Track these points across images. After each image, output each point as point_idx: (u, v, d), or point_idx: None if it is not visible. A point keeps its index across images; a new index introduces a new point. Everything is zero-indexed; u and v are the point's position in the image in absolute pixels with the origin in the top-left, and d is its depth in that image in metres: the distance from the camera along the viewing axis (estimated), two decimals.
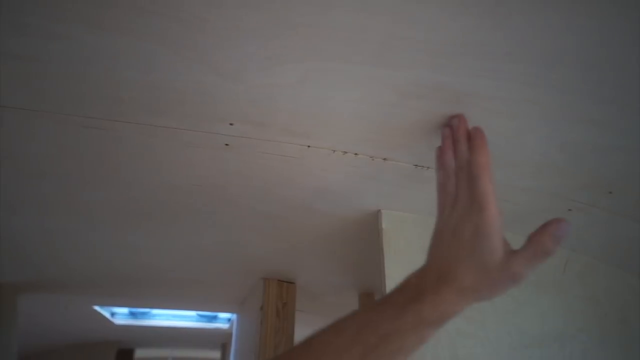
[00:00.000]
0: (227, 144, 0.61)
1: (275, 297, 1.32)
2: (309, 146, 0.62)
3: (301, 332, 1.31)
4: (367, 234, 0.88)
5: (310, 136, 0.60)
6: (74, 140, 0.61)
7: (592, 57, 0.46)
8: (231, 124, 0.57)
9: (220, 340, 3.43)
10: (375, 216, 0.80)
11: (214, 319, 2.60)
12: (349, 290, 1.40)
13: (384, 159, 0.65)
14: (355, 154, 0.63)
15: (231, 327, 2.55)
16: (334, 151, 0.63)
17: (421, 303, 0.43)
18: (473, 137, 0.50)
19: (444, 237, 0.48)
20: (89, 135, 0.60)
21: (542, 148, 0.61)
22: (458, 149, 0.51)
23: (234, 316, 2.22)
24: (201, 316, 2.54)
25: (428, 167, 0.66)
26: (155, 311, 2.42)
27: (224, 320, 2.60)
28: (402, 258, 0.75)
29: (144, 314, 2.46)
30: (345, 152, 0.63)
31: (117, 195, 0.78)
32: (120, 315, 2.39)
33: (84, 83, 0.50)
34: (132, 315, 2.42)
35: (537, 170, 0.66)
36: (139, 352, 3.36)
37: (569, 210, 0.74)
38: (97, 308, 2.07)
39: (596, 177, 0.66)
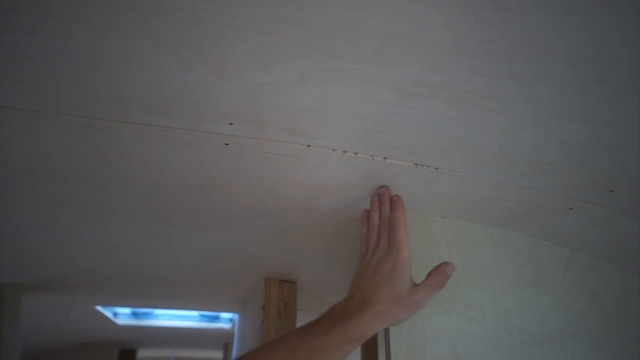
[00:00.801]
0: (226, 144, 0.61)
1: (277, 297, 1.33)
2: (308, 145, 0.62)
3: None
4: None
5: (310, 135, 0.60)
6: (75, 141, 0.61)
7: (591, 54, 0.46)
8: (231, 124, 0.57)
9: (222, 341, 3.43)
10: None
11: (216, 319, 2.60)
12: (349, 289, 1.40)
13: (384, 158, 0.65)
14: (355, 153, 0.63)
15: (233, 327, 2.55)
16: (334, 150, 0.63)
17: (346, 323, 0.54)
18: (394, 201, 0.66)
19: (366, 273, 0.62)
20: (89, 135, 0.60)
21: (542, 146, 0.61)
22: (383, 209, 0.67)
23: (235, 316, 2.22)
24: (203, 316, 2.54)
25: (428, 166, 0.66)
26: (157, 311, 2.43)
27: (226, 320, 2.60)
28: None
29: (146, 314, 2.46)
30: (345, 152, 0.63)
31: (119, 196, 0.78)
32: (122, 315, 2.40)
33: (85, 83, 0.50)
34: (135, 315, 2.42)
35: (537, 169, 0.66)
36: (141, 352, 3.36)
37: (570, 208, 0.74)
38: (99, 308, 2.07)
39: (597, 176, 0.66)
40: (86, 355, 2.96)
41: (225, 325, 2.63)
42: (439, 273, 0.61)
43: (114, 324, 2.35)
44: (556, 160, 0.63)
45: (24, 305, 1.51)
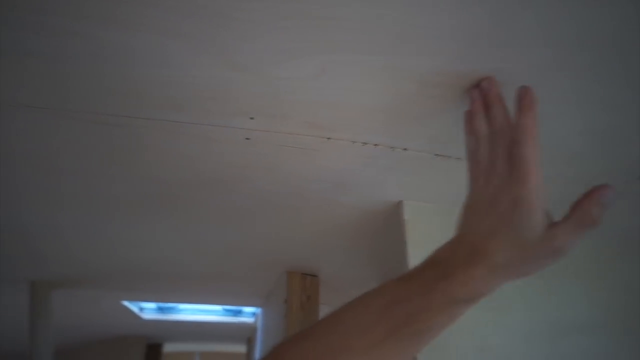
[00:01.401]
0: (247, 138, 0.62)
1: (299, 290, 1.33)
2: (328, 138, 0.62)
3: None
4: (389, 226, 0.88)
5: (330, 128, 0.60)
6: (97, 137, 0.62)
7: (618, 41, 0.44)
8: (251, 118, 0.58)
9: (245, 335, 3.47)
10: (397, 207, 0.79)
11: (239, 313, 2.63)
12: (371, 282, 1.40)
13: (405, 149, 0.64)
14: (375, 144, 0.63)
15: (256, 321, 2.58)
16: (354, 142, 0.63)
17: (451, 281, 0.40)
18: (521, 97, 0.45)
19: (477, 209, 0.44)
20: (110, 132, 0.61)
21: (568, 135, 0.60)
22: (492, 112, 0.46)
23: (258, 310, 2.24)
24: (226, 310, 2.57)
25: (449, 157, 0.66)
26: (182, 306, 2.47)
27: (248, 314, 2.63)
28: (425, 249, 0.74)
29: (171, 308, 2.50)
30: (365, 143, 0.63)
31: (140, 192, 0.79)
32: (148, 310, 2.44)
33: (102, 80, 0.51)
34: (160, 310, 2.47)
35: (563, 157, 0.65)
36: (167, 347, 3.42)
37: None
38: (125, 303, 2.12)
39: (624, 163, 0.64)
40: (114, 350, 3.03)
41: (248, 320, 2.66)
42: (589, 202, 0.40)
43: (140, 318, 2.40)
44: (583, 148, 0.62)
45: (54, 302, 1.55)
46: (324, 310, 1.38)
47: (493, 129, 0.46)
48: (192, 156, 0.67)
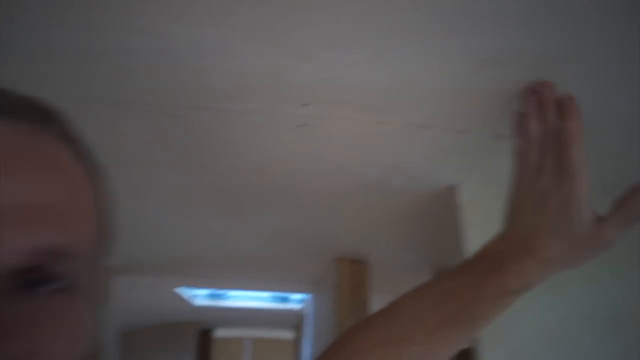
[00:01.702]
0: (301, 125, 0.63)
1: (349, 277, 1.34)
2: (382, 122, 0.62)
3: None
4: (443, 210, 0.86)
5: (384, 112, 0.60)
6: (158, 130, 0.64)
7: None
8: (305, 105, 0.58)
9: (293, 321, 3.53)
10: (452, 191, 0.78)
11: (286, 300, 2.68)
12: (422, 268, 1.39)
13: (461, 131, 0.63)
14: (431, 127, 0.62)
15: (304, 308, 2.62)
16: (409, 126, 0.62)
17: (503, 273, 0.44)
18: (564, 104, 0.47)
19: (526, 206, 0.47)
20: (172, 124, 0.63)
21: (635, 111, 0.57)
22: (545, 116, 0.48)
23: (308, 297, 2.28)
24: (275, 297, 2.63)
25: (508, 137, 0.64)
26: (232, 292, 2.54)
27: (296, 301, 2.67)
28: (481, 233, 0.73)
29: (221, 295, 2.58)
30: (420, 126, 0.62)
31: (197, 181, 0.82)
32: (200, 297, 2.53)
33: (167, 74, 0.53)
34: (211, 296, 2.55)
35: (628, 134, 0.61)
36: (218, 332, 3.53)
37: None
38: (178, 290, 2.20)
39: None
40: (169, 335, 3.16)
41: (296, 306, 2.70)
42: (636, 198, 0.43)
43: (192, 305, 2.49)
44: None
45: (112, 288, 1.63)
46: (374, 297, 1.39)
47: (545, 130, 0.48)
48: (246, 145, 0.68)
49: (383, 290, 1.54)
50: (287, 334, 3.83)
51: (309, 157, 0.72)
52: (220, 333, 3.61)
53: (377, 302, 1.38)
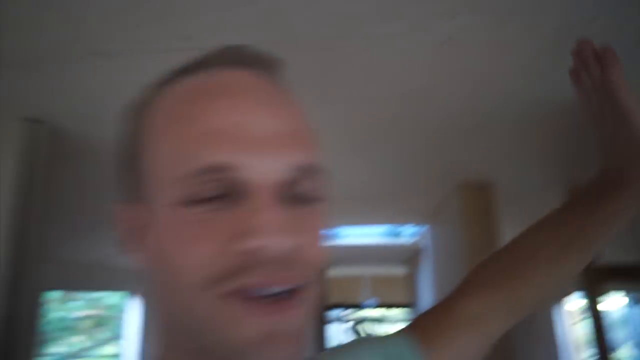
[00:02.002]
0: (444, 41, 0.61)
1: (475, 201, 1.33)
2: (532, 25, 0.58)
3: (504, 235, 1.30)
4: (584, 118, 0.82)
5: (536, 15, 0.57)
6: (308, 63, 0.67)
7: None
8: (454, 18, 0.57)
9: (406, 256, 3.61)
10: None
11: (398, 234, 2.73)
12: (552, 187, 1.33)
13: (628, 20, 0.58)
14: (591, 20, 0.58)
15: (419, 241, 2.66)
16: (560, 29, 0.58)
17: (608, 201, 0.50)
18: (603, 57, 0.50)
19: (605, 146, 0.53)
20: (320, 57, 0.65)
21: None
22: (590, 70, 0.52)
23: (423, 228, 2.30)
24: (387, 233, 2.69)
25: None
26: (345, 230, 2.64)
27: (409, 234, 2.72)
28: None
29: (335, 234, 2.69)
30: (573, 26, 0.58)
31: (332, 114, 0.84)
32: None
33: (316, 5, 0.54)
34: None
35: None
36: (333, 271, 3.72)
37: None
38: None
39: None
40: None
41: (409, 240, 2.75)
42: None
43: None
44: None
45: None
46: (502, 224, 1.36)
47: (594, 83, 0.52)
48: (390, 71, 0.69)
49: (510, 213, 1.51)
50: (401, 270, 3.93)
51: (449, 77, 0.71)
52: (335, 272, 3.80)
53: (505, 230, 1.36)
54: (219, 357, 0.28)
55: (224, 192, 0.28)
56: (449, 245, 1.64)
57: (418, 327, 0.50)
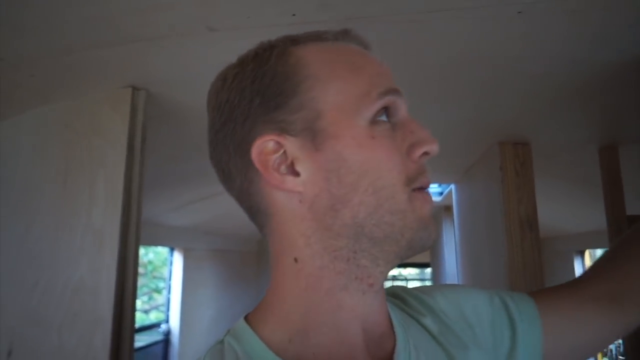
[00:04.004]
0: (519, 12, 0.71)
1: (513, 158, 1.43)
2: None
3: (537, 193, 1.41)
4: (627, 81, 0.91)
5: None
6: (397, 33, 0.77)
7: None
8: None
9: None
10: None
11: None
12: (586, 145, 1.43)
13: None
14: None
15: (444, 199, 2.77)
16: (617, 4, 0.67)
17: None
18: None
19: None
20: (403, 28, 0.75)
21: None
22: None
23: (450, 187, 2.41)
24: None
25: None
26: None
27: (435, 194, 2.82)
28: None
29: None
30: None
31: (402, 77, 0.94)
32: None
33: None
34: None
35: None
36: None
37: None
38: None
39: None
40: None
41: (435, 199, 2.86)
42: None
43: None
44: None
45: None
46: (537, 179, 1.46)
47: None
48: (466, 38, 0.79)
49: (545, 171, 1.61)
50: None
51: (513, 45, 0.80)
52: None
53: (539, 184, 1.47)
54: (404, 237, 0.39)
55: (394, 114, 0.41)
56: (480, 202, 1.75)
57: (540, 297, 0.53)
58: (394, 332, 0.44)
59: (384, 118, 0.41)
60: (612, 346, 4.13)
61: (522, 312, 0.50)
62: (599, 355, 2.96)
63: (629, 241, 0.58)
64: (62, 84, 0.94)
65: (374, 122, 0.40)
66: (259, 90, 0.40)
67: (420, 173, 0.41)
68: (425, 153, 0.41)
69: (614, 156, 1.40)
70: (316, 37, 0.43)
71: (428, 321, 0.48)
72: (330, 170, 0.38)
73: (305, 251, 0.40)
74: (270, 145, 0.39)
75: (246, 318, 0.43)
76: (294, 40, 0.42)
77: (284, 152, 0.39)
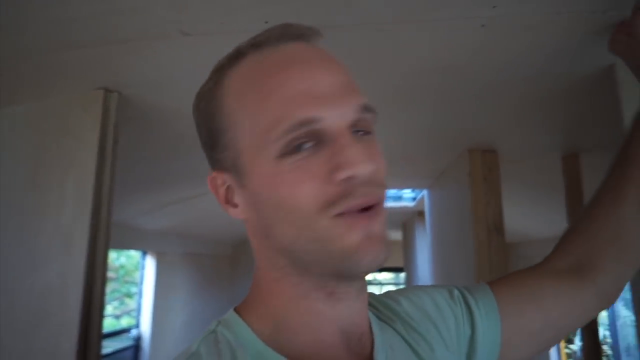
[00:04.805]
0: (483, 25, 0.74)
1: (481, 164, 1.48)
2: (559, 13, 0.71)
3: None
4: (588, 91, 0.95)
5: (562, 3, 0.69)
6: (366, 42, 0.79)
7: None
8: (494, 7, 0.69)
9: (401, 220, 3.78)
10: (607, 71, 0.86)
11: (399, 199, 2.88)
12: (550, 153, 1.48)
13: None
14: (604, 12, 0.71)
15: (417, 205, 2.81)
16: (583, 13, 0.71)
17: None
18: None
19: None
20: (372, 37, 0.77)
21: None
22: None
23: (422, 193, 2.45)
24: (388, 197, 2.84)
25: None
26: None
27: (408, 199, 2.87)
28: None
29: None
30: (594, 12, 0.71)
31: (374, 84, 0.97)
32: None
33: None
34: None
35: None
36: None
37: None
38: None
39: None
40: None
41: (408, 204, 2.91)
42: None
43: None
44: None
45: None
46: (503, 184, 1.51)
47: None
48: (432, 49, 0.81)
49: (511, 177, 1.66)
50: (398, 234, 4.11)
51: (478, 55, 0.84)
52: None
53: (505, 190, 1.51)
54: (332, 265, 0.38)
55: (314, 141, 0.37)
56: (451, 207, 1.79)
57: (500, 284, 0.54)
58: (372, 333, 0.46)
59: (305, 141, 0.38)
60: (576, 348, 4.27)
61: (479, 302, 0.52)
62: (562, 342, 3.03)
63: (590, 206, 0.59)
64: (31, 84, 0.93)
65: (282, 155, 0.38)
66: (205, 127, 0.44)
67: (345, 196, 0.37)
68: (350, 177, 0.37)
69: (576, 163, 1.46)
70: (256, 46, 0.42)
71: (398, 326, 0.49)
72: (253, 203, 0.41)
73: (262, 263, 0.44)
74: (218, 179, 0.43)
75: (235, 309, 0.45)
76: (236, 56, 0.43)
77: (228, 185, 0.43)
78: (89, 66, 0.88)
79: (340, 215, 0.37)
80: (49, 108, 0.98)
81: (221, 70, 0.43)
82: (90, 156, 0.93)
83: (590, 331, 1.47)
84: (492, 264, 1.41)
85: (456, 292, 0.53)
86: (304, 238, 0.38)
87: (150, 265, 2.85)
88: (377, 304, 0.52)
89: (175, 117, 1.12)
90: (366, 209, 0.38)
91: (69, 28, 0.74)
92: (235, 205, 0.43)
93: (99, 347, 0.93)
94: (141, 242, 2.62)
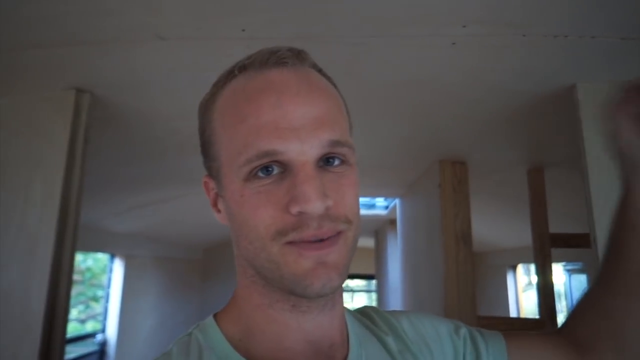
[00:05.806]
0: (453, 43, 0.77)
1: (451, 175, 1.51)
2: (524, 35, 0.74)
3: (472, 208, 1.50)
4: (551, 109, 1.00)
5: (527, 25, 0.72)
6: (341, 54, 0.81)
7: None
8: (464, 26, 0.72)
9: (373, 228, 3.82)
10: (569, 91, 0.90)
11: (372, 207, 2.91)
12: (516, 167, 1.53)
13: (592, 37, 0.75)
14: (566, 36, 0.74)
15: (389, 213, 2.85)
16: (546, 36, 0.75)
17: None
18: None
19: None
20: (347, 50, 0.79)
21: None
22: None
23: (395, 201, 2.49)
24: (362, 205, 2.87)
25: (634, 39, 0.75)
26: None
27: (381, 207, 2.90)
28: (599, 125, 0.86)
29: None
30: (557, 36, 0.74)
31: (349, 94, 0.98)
32: None
33: (352, 8, 0.68)
34: None
35: None
36: None
37: None
38: None
39: None
40: None
41: (381, 212, 2.94)
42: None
43: None
44: None
45: None
46: (472, 196, 1.55)
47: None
48: (406, 63, 0.84)
49: (480, 188, 1.71)
50: (368, 242, 4.14)
51: (449, 71, 0.87)
52: None
53: (474, 201, 1.55)
54: (286, 285, 0.39)
55: (281, 168, 0.39)
56: (421, 216, 1.82)
57: (513, 337, 0.53)
58: (349, 345, 0.46)
59: (272, 166, 0.40)
60: None
61: (489, 347, 0.52)
62: None
63: (595, 287, 0.57)
64: None
65: (248, 179, 0.40)
66: (200, 135, 0.46)
67: (298, 227, 0.38)
68: (301, 212, 0.38)
69: (540, 177, 1.51)
70: (243, 68, 0.43)
71: (390, 340, 0.50)
72: (228, 214, 0.43)
73: (238, 270, 0.46)
74: (210, 183, 0.46)
75: (215, 314, 0.47)
76: (229, 74, 0.44)
77: (216, 192, 0.45)
78: (61, 65, 0.87)
79: (291, 243, 0.39)
80: (16, 106, 0.96)
81: (218, 85, 0.45)
82: (59, 156, 0.91)
83: None
84: (460, 273, 1.44)
85: (464, 330, 0.54)
86: (262, 257, 0.40)
87: (118, 268, 2.80)
88: (375, 315, 0.53)
89: (149, 120, 1.11)
90: (320, 239, 0.39)
91: (40, 26, 0.74)
92: (219, 211, 0.46)
93: (62, 352, 0.91)
94: (110, 245, 2.57)
